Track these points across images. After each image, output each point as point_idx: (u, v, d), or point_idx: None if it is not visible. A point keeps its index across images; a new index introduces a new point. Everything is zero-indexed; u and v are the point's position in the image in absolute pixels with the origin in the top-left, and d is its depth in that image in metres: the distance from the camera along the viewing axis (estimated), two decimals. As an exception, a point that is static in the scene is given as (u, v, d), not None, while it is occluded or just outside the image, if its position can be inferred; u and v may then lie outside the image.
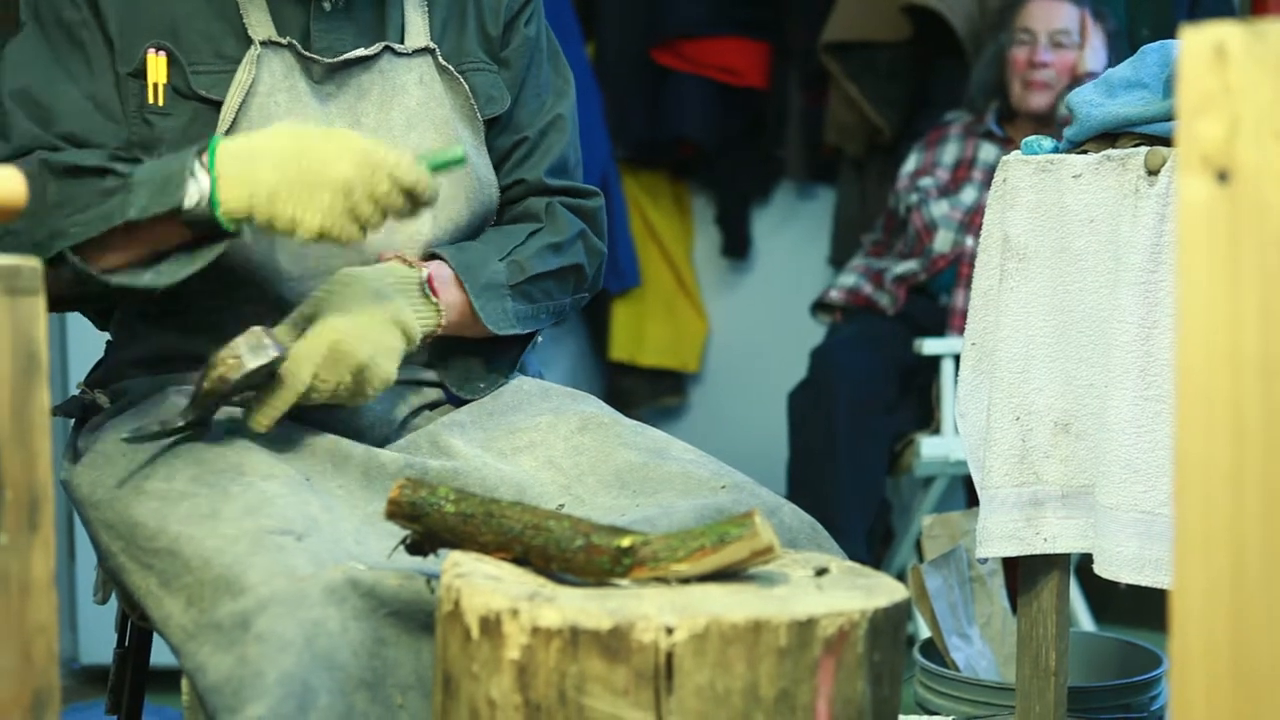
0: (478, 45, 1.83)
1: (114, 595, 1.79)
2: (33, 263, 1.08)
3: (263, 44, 1.70)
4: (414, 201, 1.56)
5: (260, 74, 1.69)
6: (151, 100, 1.68)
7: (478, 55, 1.82)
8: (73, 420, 1.80)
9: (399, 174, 1.54)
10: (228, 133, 1.66)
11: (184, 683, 1.50)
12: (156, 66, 1.68)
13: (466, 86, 1.78)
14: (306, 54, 1.71)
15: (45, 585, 1.07)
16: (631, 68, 4.33)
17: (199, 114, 1.68)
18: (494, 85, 1.83)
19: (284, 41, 1.71)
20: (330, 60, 1.72)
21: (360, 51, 1.73)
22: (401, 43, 1.76)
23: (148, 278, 1.56)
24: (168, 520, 1.53)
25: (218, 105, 1.68)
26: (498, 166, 1.85)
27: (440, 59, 1.78)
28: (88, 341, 2.27)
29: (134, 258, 1.58)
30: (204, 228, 1.54)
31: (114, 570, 1.61)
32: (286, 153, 1.52)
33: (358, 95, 1.73)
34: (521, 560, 1.41)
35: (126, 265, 1.57)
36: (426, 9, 1.79)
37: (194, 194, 1.53)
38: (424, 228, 1.73)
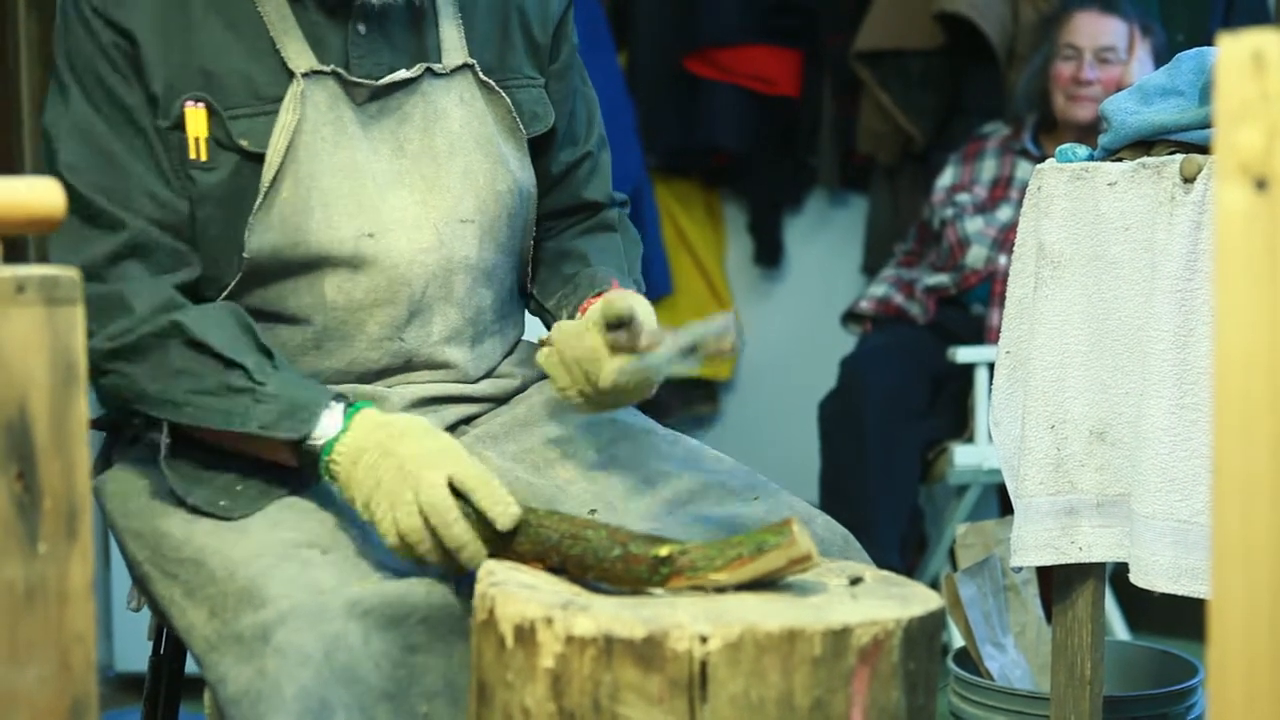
0: (525, 58, 1.80)
1: (147, 606, 1.80)
2: (71, 273, 1.09)
3: (304, 76, 1.65)
4: (446, 555, 1.47)
5: (305, 110, 1.64)
6: (193, 156, 1.63)
7: (523, 71, 1.79)
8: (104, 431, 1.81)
9: (459, 470, 1.47)
10: (274, 181, 1.63)
11: (206, 695, 1.51)
12: (196, 120, 1.63)
13: (508, 101, 1.76)
14: (352, 79, 1.67)
15: (84, 594, 1.08)
16: (664, 76, 4.33)
17: (241, 167, 1.64)
18: (539, 102, 1.81)
19: (327, 70, 1.66)
20: (376, 83, 1.68)
21: (403, 74, 1.69)
22: (439, 61, 1.72)
23: (222, 504, 1.56)
24: (194, 531, 1.54)
25: (258, 156, 1.63)
26: (561, 179, 1.86)
27: (480, 74, 1.75)
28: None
29: (224, 447, 1.58)
30: (304, 461, 1.54)
31: (140, 579, 1.61)
32: (415, 450, 1.49)
33: (399, 120, 1.70)
34: (558, 569, 1.41)
35: (199, 459, 1.58)
36: (461, 23, 1.75)
37: (319, 432, 1.52)
38: (471, 252, 1.73)
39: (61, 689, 1.07)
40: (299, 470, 1.56)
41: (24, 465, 1.05)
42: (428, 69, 1.71)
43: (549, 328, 1.82)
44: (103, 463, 1.77)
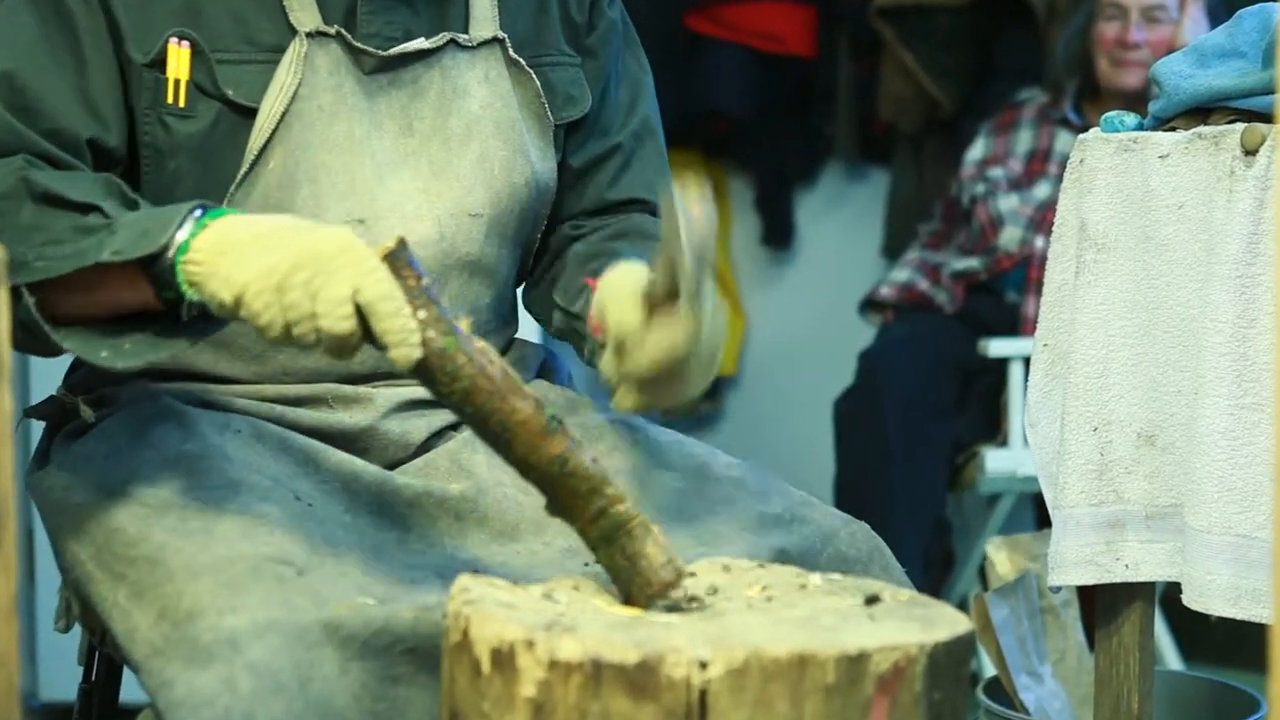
0: (561, 34, 1.80)
1: (78, 624, 1.80)
2: (-7, 250, 1.08)
3: (308, 36, 1.65)
4: (367, 336, 1.38)
5: (305, 74, 1.64)
6: (170, 99, 1.63)
7: (560, 47, 1.79)
8: (45, 425, 1.81)
9: (367, 284, 1.36)
10: (263, 149, 1.63)
11: (142, 716, 1.51)
12: (178, 59, 1.63)
13: (538, 83, 1.76)
14: (357, 45, 1.66)
15: (6, 612, 1.08)
16: (662, 34, 4.32)
17: (223, 117, 1.64)
18: (574, 83, 1.80)
19: (332, 31, 1.65)
20: (385, 53, 1.67)
21: (421, 43, 1.69)
22: (465, 32, 1.72)
23: (104, 354, 1.49)
24: (152, 528, 1.54)
25: (245, 110, 1.63)
26: (584, 174, 1.85)
27: (510, 51, 1.74)
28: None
29: (94, 313, 1.51)
30: (167, 288, 1.46)
31: (78, 581, 1.61)
32: (274, 223, 1.42)
33: (413, 94, 1.70)
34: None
35: (84, 323, 1.51)
36: None
37: (174, 244, 1.44)
38: (475, 249, 1.72)
39: (-19, 718, 1.07)
40: (186, 324, 1.49)
41: (-61, 467, 1.05)
42: (451, 40, 1.71)
43: (573, 340, 1.80)
44: (41, 457, 1.77)
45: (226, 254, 1.41)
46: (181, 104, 1.64)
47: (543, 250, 1.89)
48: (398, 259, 1.38)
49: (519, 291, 1.91)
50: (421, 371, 1.38)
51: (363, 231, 1.66)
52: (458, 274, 1.72)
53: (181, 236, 1.44)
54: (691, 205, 1.46)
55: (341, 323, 1.36)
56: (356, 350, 1.39)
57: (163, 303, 1.48)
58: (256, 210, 1.62)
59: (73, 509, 1.63)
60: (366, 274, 1.36)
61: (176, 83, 1.64)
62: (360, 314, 1.36)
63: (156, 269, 1.45)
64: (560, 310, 1.82)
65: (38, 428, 1.81)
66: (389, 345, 1.36)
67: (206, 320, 1.49)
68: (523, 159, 1.74)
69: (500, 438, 1.40)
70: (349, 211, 1.66)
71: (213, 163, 1.65)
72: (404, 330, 1.35)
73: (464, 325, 1.39)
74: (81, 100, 1.63)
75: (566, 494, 1.42)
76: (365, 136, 1.67)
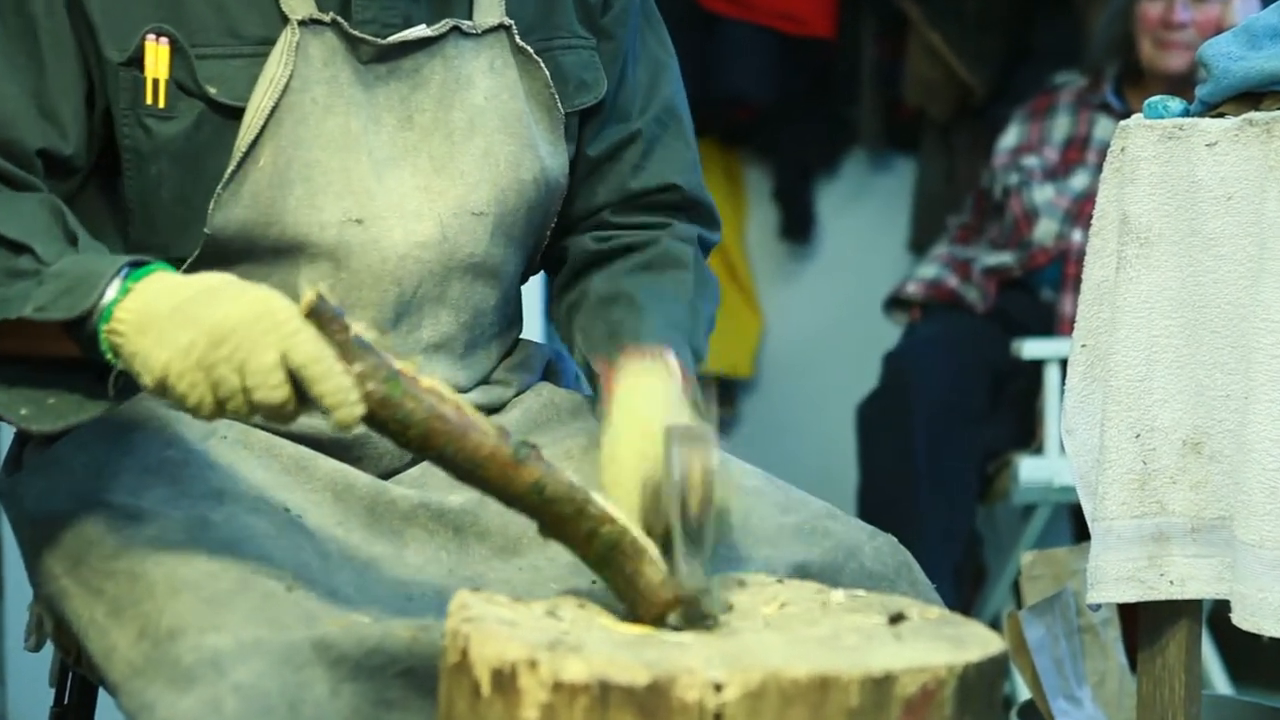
0: (573, 15, 1.78)
1: (50, 643, 1.80)
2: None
3: (301, 24, 1.64)
4: (303, 400, 1.39)
5: (298, 65, 1.64)
6: (150, 100, 1.63)
7: (572, 29, 1.78)
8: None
9: (294, 348, 1.36)
10: (252, 145, 1.62)
11: None
12: (156, 57, 1.62)
13: (546, 72, 1.75)
14: (354, 33, 1.66)
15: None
16: (675, 14, 4.29)
17: (206, 118, 1.64)
18: (588, 67, 1.79)
19: (327, 19, 1.65)
20: (384, 41, 1.67)
21: (422, 30, 1.68)
22: (469, 19, 1.71)
23: (24, 413, 1.49)
24: (133, 540, 1.54)
25: (229, 109, 1.63)
26: (603, 163, 1.83)
27: (517, 38, 1.74)
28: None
29: (16, 352, 1.50)
30: (93, 350, 1.46)
31: (52, 597, 1.62)
32: (195, 288, 1.42)
33: (413, 86, 1.69)
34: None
35: (11, 367, 1.50)
36: None
37: (98, 309, 1.44)
38: (479, 249, 1.72)
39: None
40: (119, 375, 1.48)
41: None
42: (455, 27, 1.70)
43: (593, 384, 1.78)
44: (13, 463, 1.78)
45: (147, 332, 1.41)
46: (161, 104, 1.64)
47: (562, 255, 1.86)
48: (322, 313, 1.38)
49: (527, 290, 1.91)
50: (372, 425, 1.39)
51: (360, 232, 1.66)
52: (460, 276, 1.72)
53: (107, 299, 1.44)
54: (688, 446, 1.46)
55: (274, 392, 1.37)
56: (296, 416, 1.40)
57: (90, 360, 1.48)
58: (247, 212, 1.63)
59: (46, 519, 1.63)
60: (290, 336, 1.37)
61: (155, 82, 1.63)
62: (293, 378, 1.37)
63: (80, 334, 1.45)
64: (579, 353, 1.80)
65: (8, 431, 1.81)
66: (328, 409, 1.37)
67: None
68: (530, 153, 1.74)
69: (472, 474, 1.41)
70: (345, 211, 1.65)
71: (197, 166, 1.65)
72: (340, 390, 1.36)
73: (407, 366, 1.40)
74: (36, 107, 1.62)
75: (553, 519, 1.43)
76: (362, 131, 1.66)
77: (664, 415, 1.55)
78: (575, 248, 1.85)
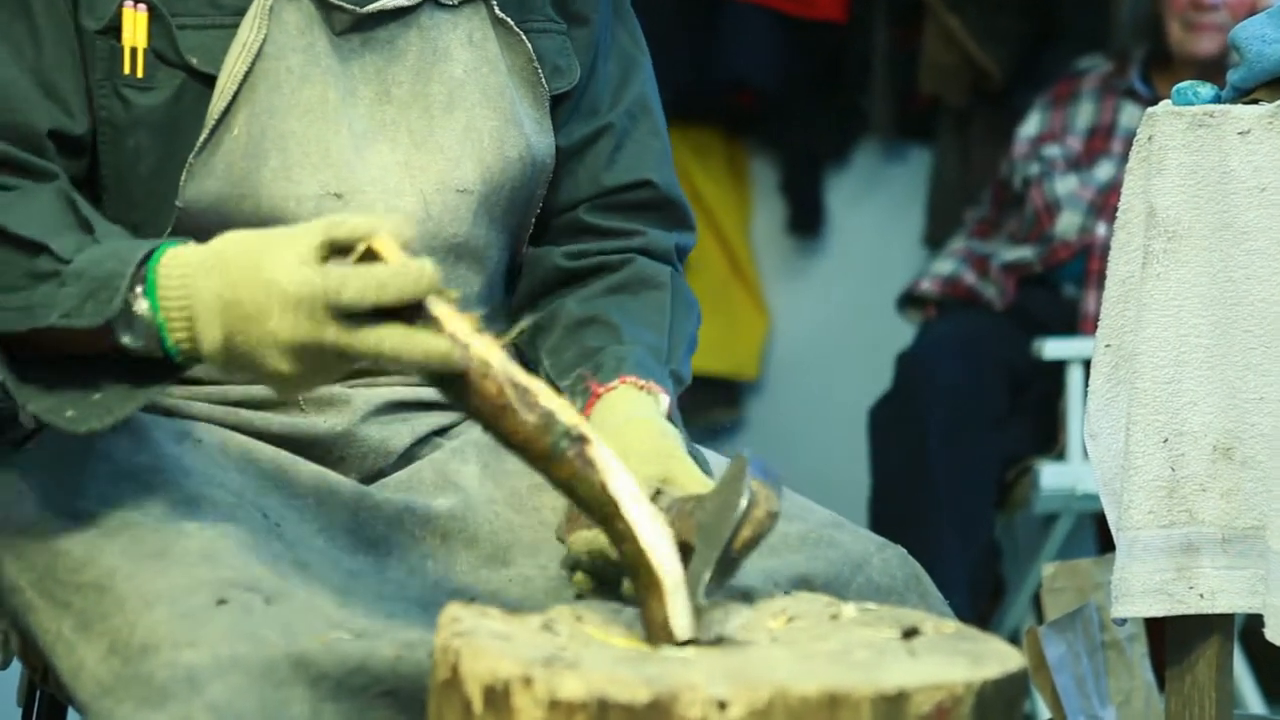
0: None
1: (16, 659, 1.80)
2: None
3: None
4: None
5: (271, 31, 1.65)
6: (127, 70, 1.64)
7: (545, 11, 1.79)
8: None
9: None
10: (225, 113, 1.63)
11: None
12: (134, 25, 1.63)
13: (529, 46, 1.75)
14: (330, 0, 1.67)
15: (-67, 642, 1.07)
16: (679, -4, 4.34)
17: (187, 88, 1.64)
18: (561, 53, 1.80)
19: None
20: (360, 10, 1.68)
21: (397, 0, 1.69)
22: None
23: (70, 415, 1.50)
24: (102, 551, 1.54)
25: (210, 79, 1.64)
26: (574, 158, 1.82)
27: (496, 9, 1.75)
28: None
29: (64, 351, 1.52)
30: (144, 340, 1.47)
31: (17, 611, 1.62)
32: (231, 260, 1.43)
33: (389, 57, 1.70)
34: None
35: (51, 369, 1.52)
36: None
37: (136, 311, 1.46)
38: (462, 229, 1.72)
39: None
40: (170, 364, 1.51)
41: None
42: None
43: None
44: None
45: (197, 319, 1.43)
46: (140, 74, 1.64)
47: (524, 268, 1.86)
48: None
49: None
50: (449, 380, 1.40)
51: (339, 207, 1.66)
52: (443, 257, 1.71)
53: (145, 310, 1.45)
54: (759, 481, 1.43)
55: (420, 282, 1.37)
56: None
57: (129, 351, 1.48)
58: (220, 185, 1.64)
59: (11, 528, 1.63)
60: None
61: (133, 51, 1.64)
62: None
63: (128, 331, 1.46)
64: (545, 373, 1.78)
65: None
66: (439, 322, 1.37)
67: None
68: (515, 130, 1.74)
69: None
70: (324, 185, 1.66)
71: (175, 138, 1.65)
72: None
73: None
74: (40, 85, 1.63)
75: (586, 517, 1.45)
76: (340, 103, 1.68)
77: (655, 443, 1.58)
78: (541, 262, 1.84)
